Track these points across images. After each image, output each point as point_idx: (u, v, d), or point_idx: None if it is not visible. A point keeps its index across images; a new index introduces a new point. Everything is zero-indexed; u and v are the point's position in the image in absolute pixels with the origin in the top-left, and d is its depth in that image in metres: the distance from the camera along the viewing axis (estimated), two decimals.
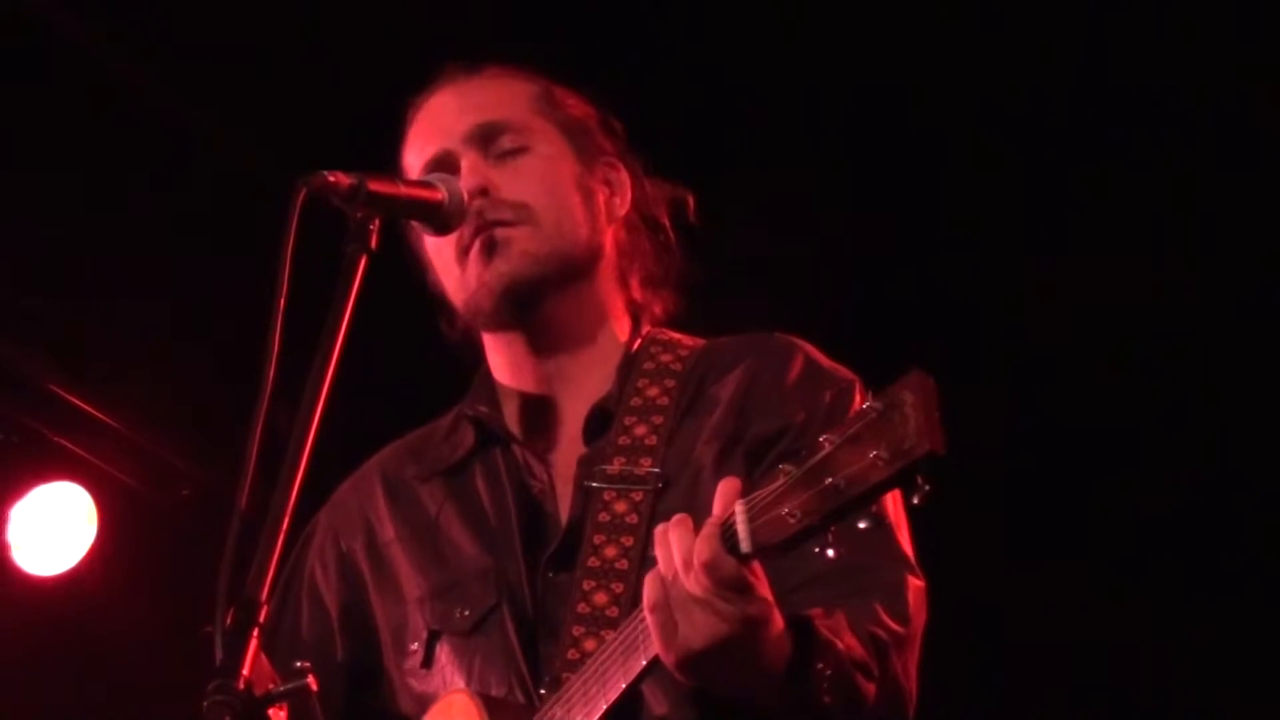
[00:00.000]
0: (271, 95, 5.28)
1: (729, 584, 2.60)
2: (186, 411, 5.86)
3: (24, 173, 5.26)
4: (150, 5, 5.08)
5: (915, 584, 2.98)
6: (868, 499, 2.44)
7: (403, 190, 2.96)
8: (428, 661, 3.17)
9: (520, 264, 3.18)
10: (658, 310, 3.36)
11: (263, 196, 3.38)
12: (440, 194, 3.04)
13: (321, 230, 2.75)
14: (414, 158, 3.31)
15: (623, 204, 3.34)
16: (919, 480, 2.39)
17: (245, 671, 2.41)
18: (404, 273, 3.31)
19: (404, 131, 3.36)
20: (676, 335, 3.33)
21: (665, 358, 3.26)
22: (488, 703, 2.99)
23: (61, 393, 5.79)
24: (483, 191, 3.19)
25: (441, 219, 3.06)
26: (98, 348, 5.71)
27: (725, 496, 2.63)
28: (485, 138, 3.25)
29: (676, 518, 2.67)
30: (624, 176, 3.35)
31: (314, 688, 2.46)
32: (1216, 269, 5.33)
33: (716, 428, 3.12)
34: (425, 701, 3.16)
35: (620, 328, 3.31)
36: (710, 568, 2.58)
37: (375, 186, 2.85)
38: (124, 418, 5.90)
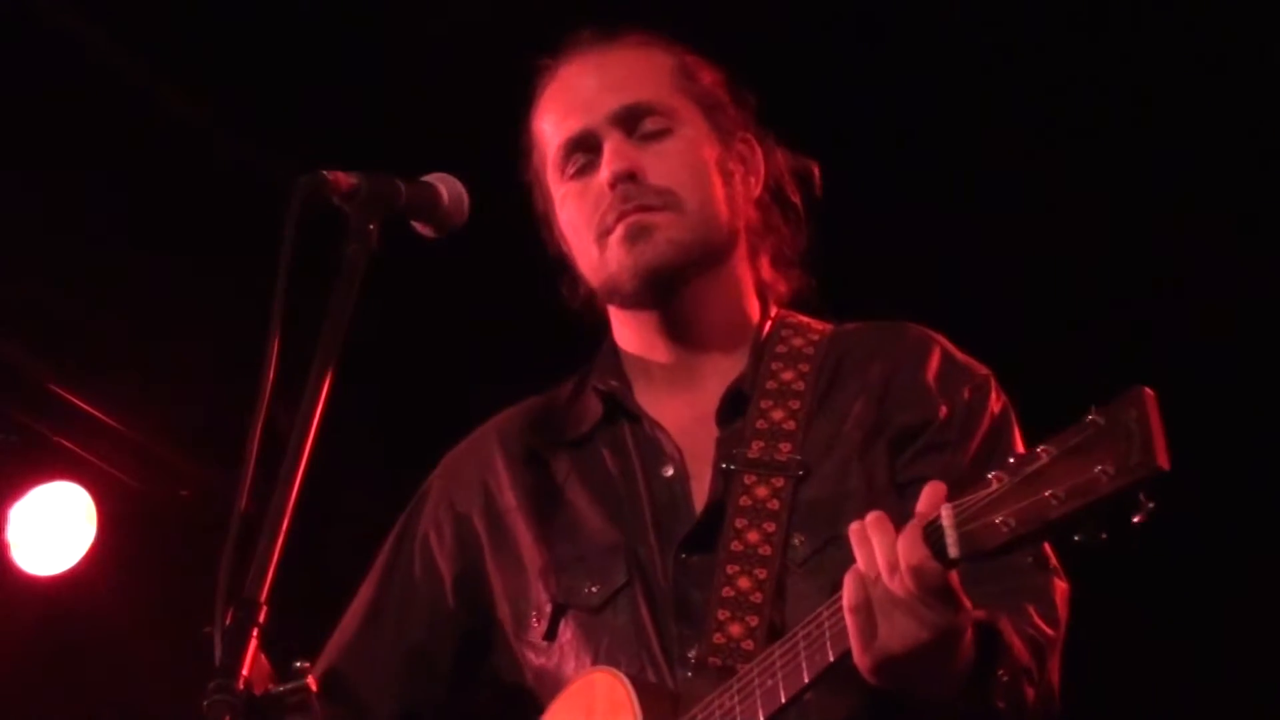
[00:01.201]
0: (273, 93, 5.28)
1: (934, 590, 2.58)
2: (186, 412, 5.86)
3: (24, 172, 5.25)
4: (161, 6, 5.08)
5: (1061, 586, 2.97)
6: (1089, 513, 2.41)
7: (403, 190, 2.95)
8: (550, 635, 3.14)
9: (666, 251, 3.16)
10: (783, 289, 3.33)
11: (263, 195, 3.37)
12: (441, 195, 3.04)
13: (323, 229, 2.75)
14: (551, 130, 3.29)
15: (757, 183, 3.31)
16: (1142, 498, 2.37)
17: (245, 671, 2.41)
18: (405, 272, 3.31)
19: (535, 95, 3.33)
20: (804, 318, 3.30)
21: (797, 341, 3.23)
22: (636, 683, 2.95)
23: (61, 392, 5.79)
24: (630, 175, 3.17)
25: (441, 219, 3.06)
26: (97, 347, 5.71)
27: (931, 499, 2.60)
28: (630, 119, 3.22)
29: (873, 515, 2.65)
30: (758, 153, 3.33)
31: (314, 688, 2.46)
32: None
33: (860, 417, 3.10)
34: (544, 675, 3.15)
35: (750, 307, 3.29)
36: (917, 572, 2.56)
37: (375, 186, 2.85)
38: (124, 418, 5.90)
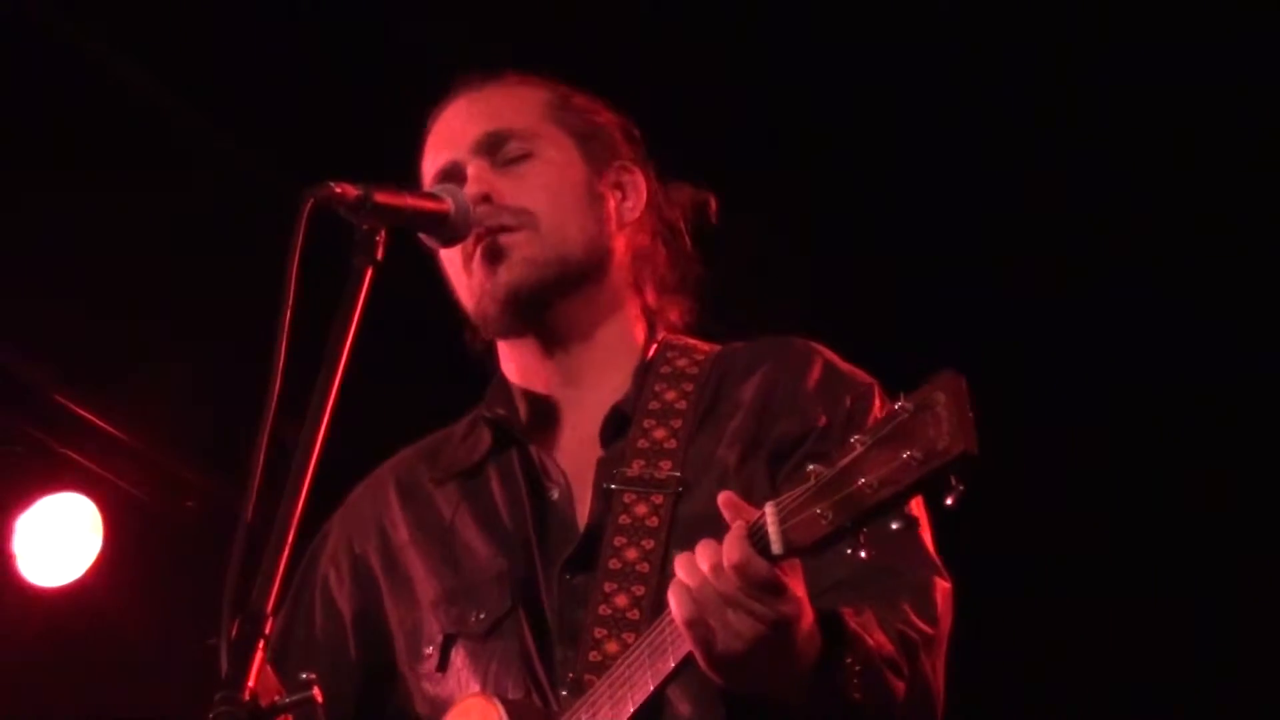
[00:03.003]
0: (281, 104, 5.28)
1: (762, 585, 2.59)
2: (192, 423, 5.86)
3: (29, 182, 5.26)
4: (161, 13, 5.09)
5: (943, 585, 2.99)
6: (901, 500, 2.44)
7: (409, 201, 2.96)
8: (443, 665, 3.16)
9: (520, 271, 3.19)
10: (673, 316, 3.36)
11: (270, 207, 3.38)
12: (446, 205, 3.05)
13: (329, 240, 2.75)
14: (428, 165, 3.33)
15: (635, 208, 3.33)
16: (952, 481, 2.39)
17: (250, 683, 2.41)
18: (411, 283, 3.31)
19: (422, 139, 3.37)
20: (692, 340, 3.33)
21: (681, 362, 3.26)
22: (508, 705, 2.98)
23: (67, 404, 5.80)
24: (485, 198, 3.19)
25: (448, 230, 3.07)
26: (104, 359, 5.71)
27: (731, 507, 2.63)
28: (492, 145, 3.26)
29: (700, 541, 2.66)
30: (639, 180, 3.35)
31: (319, 699, 2.46)
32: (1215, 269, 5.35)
33: (737, 431, 3.12)
34: (440, 705, 3.16)
35: (636, 331, 3.31)
36: (741, 569, 2.58)
37: (381, 198, 2.85)
38: (130, 429, 5.90)
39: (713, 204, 3.41)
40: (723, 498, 2.66)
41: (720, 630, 2.62)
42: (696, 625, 2.63)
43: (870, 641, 2.76)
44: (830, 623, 2.73)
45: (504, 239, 3.19)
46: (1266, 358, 5.40)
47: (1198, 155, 5.13)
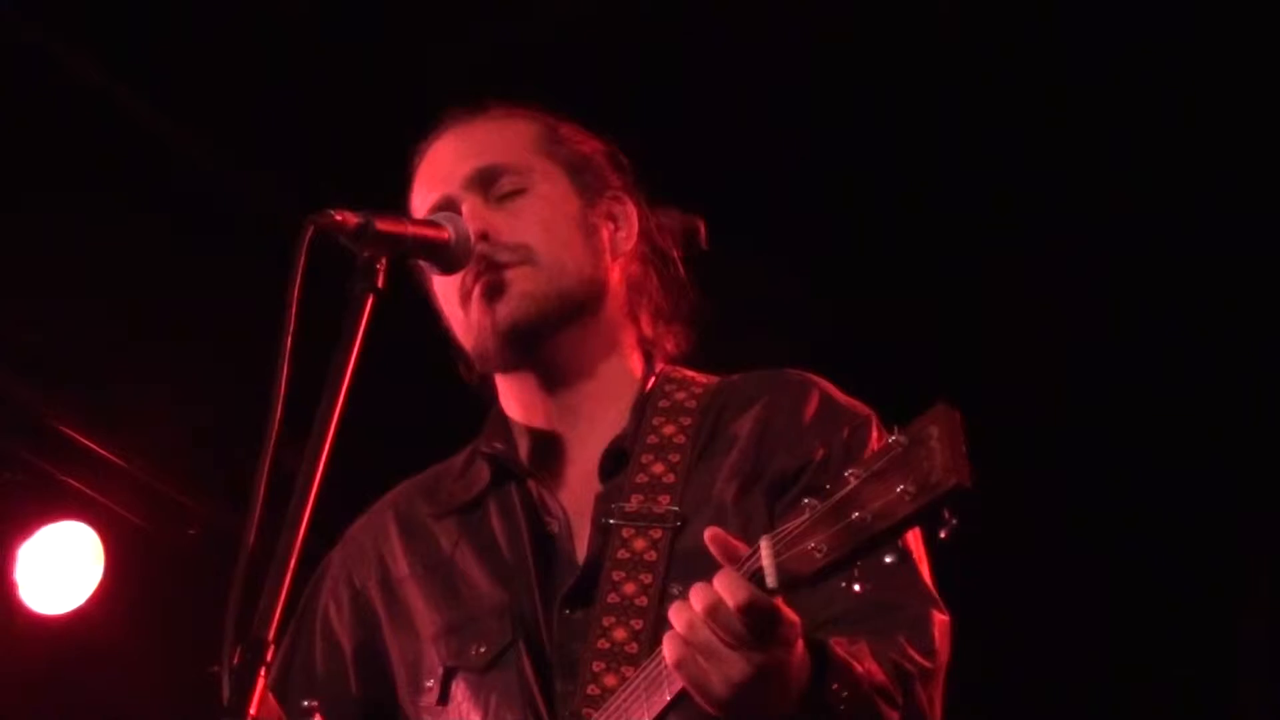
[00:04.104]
0: (281, 132, 5.29)
1: (760, 619, 2.59)
2: (193, 451, 5.87)
3: (32, 211, 5.27)
4: (167, 45, 5.11)
5: (940, 619, 2.98)
6: (895, 533, 2.45)
7: (410, 229, 2.96)
8: (443, 698, 3.16)
9: (521, 305, 3.19)
10: (669, 346, 3.36)
11: (271, 234, 3.38)
12: (447, 233, 3.06)
13: (330, 268, 2.75)
14: (418, 202, 3.32)
15: (629, 238, 3.34)
16: (945, 514, 2.39)
17: (252, 710, 2.41)
18: (411, 311, 3.32)
19: (410, 175, 3.37)
20: (690, 373, 3.34)
21: (680, 395, 3.26)
22: None
23: (69, 432, 5.80)
24: (483, 235, 3.19)
25: (448, 258, 3.08)
26: (105, 386, 5.71)
27: (718, 543, 2.63)
28: (485, 181, 3.26)
29: (694, 586, 2.66)
30: (630, 210, 3.35)
31: None
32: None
33: (736, 466, 3.13)
34: None
35: (633, 364, 3.31)
36: (748, 609, 2.56)
37: (382, 225, 2.86)
38: (131, 457, 5.90)
39: (702, 229, 3.41)
40: (709, 534, 2.65)
41: (714, 670, 2.61)
42: (687, 665, 2.62)
43: (859, 669, 2.76)
44: (816, 649, 2.73)
45: (503, 274, 3.20)
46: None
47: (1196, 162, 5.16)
